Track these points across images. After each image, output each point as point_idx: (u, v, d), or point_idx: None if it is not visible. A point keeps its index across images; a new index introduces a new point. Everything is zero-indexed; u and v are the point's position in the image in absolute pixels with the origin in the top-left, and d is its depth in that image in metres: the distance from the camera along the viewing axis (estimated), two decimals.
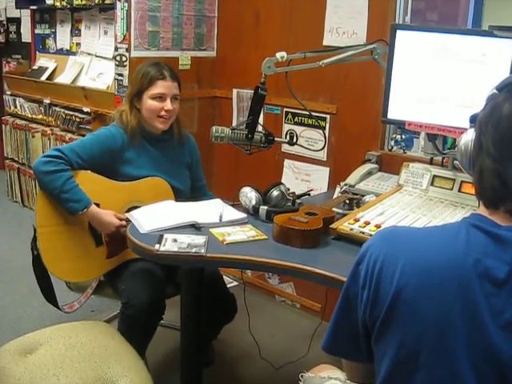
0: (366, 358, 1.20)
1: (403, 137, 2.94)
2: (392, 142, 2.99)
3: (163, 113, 2.50)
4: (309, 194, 2.48)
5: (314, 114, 3.09)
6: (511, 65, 2.05)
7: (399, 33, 2.26)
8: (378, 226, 1.95)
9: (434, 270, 1.05)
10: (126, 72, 3.37)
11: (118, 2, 3.33)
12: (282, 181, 3.31)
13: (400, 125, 2.54)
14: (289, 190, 2.37)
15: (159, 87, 2.49)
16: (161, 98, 2.50)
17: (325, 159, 3.28)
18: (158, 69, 2.51)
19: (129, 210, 2.39)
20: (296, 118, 3.39)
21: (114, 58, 3.46)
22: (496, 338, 0.99)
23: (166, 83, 2.51)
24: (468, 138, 1.27)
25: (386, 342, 1.09)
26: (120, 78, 3.42)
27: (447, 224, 1.15)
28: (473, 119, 1.19)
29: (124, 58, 3.37)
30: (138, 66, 2.61)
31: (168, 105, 2.50)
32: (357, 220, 2.01)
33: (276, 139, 2.36)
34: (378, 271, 1.10)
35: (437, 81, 2.22)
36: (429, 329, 1.04)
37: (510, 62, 2.05)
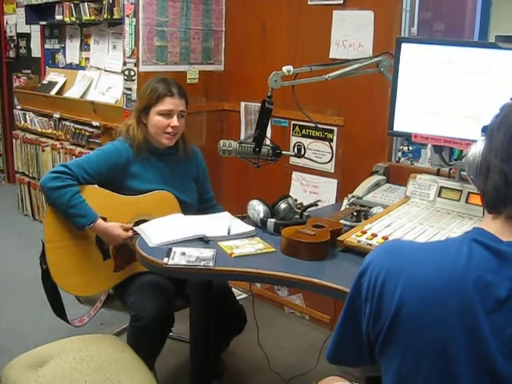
0: (370, 364, 1.21)
1: (410, 148, 2.94)
2: (399, 154, 2.99)
3: (169, 129, 2.53)
4: (316, 205, 2.49)
5: (321, 126, 3.12)
6: None
7: (404, 46, 2.28)
8: (385, 238, 1.95)
9: (435, 286, 1.05)
10: (134, 86, 3.40)
11: (126, 18, 3.37)
12: (290, 193, 3.34)
13: (406, 137, 2.55)
14: (296, 200, 2.38)
15: (167, 104, 2.52)
16: (168, 114, 2.52)
17: (333, 171, 3.29)
18: (166, 85, 2.54)
19: (136, 224, 2.41)
20: (303, 131, 3.40)
21: (123, 72, 3.49)
22: (497, 355, 0.99)
23: (174, 100, 2.53)
24: (477, 149, 1.28)
25: (389, 356, 1.10)
26: (128, 92, 3.45)
27: (449, 239, 1.16)
28: (484, 129, 1.21)
29: (132, 73, 3.40)
30: (147, 82, 2.64)
31: (174, 121, 2.52)
32: (364, 232, 2.02)
33: (283, 152, 2.37)
34: (380, 285, 1.10)
35: (442, 93, 2.24)
36: (429, 345, 1.04)
37: None
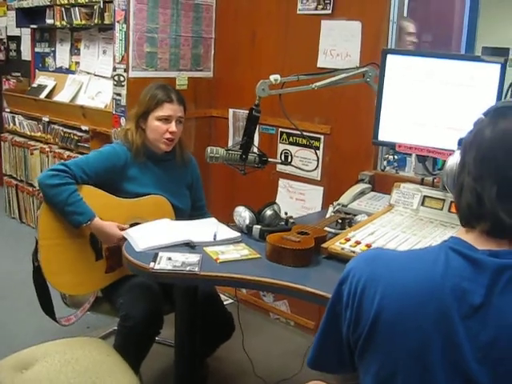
0: (350, 371, 1.24)
1: (396, 157, 2.98)
2: (385, 163, 3.03)
3: (167, 135, 2.56)
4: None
5: (308, 134, 3.15)
6: (498, 88, 2.10)
7: (390, 57, 2.33)
8: (368, 246, 1.98)
9: (413, 293, 1.08)
10: (123, 92, 3.43)
11: (116, 24, 3.39)
12: (277, 200, 3.37)
13: (391, 146, 2.59)
14: (286, 213, 2.39)
15: (166, 109, 2.56)
16: (166, 120, 2.56)
17: (319, 179, 3.33)
18: (165, 92, 2.59)
19: (130, 227, 2.43)
20: (291, 138, 3.44)
21: (113, 77, 3.52)
22: (472, 361, 1.02)
23: (173, 106, 2.57)
24: (454, 160, 1.31)
25: (368, 361, 1.13)
26: (118, 97, 3.47)
27: (427, 247, 1.19)
28: (460, 142, 1.24)
29: (122, 78, 3.42)
30: (146, 88, 2.67)
31: (173, 127, 2.56)
32: (348, 239, 2.05)
33: (269, 160, 2.41)
34: (360, 292, 1.13)
35: (427, 104, 2.29)
36: (406, 350, 1.07)
37: (497, 85, 2.11)
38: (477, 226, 1.12)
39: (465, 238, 1.12)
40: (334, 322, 1.21)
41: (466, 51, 4.26)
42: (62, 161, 4.36)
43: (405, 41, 3.60)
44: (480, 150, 1.12)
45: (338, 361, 1.23)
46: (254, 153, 2.38)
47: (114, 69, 3.49)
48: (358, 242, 2.02)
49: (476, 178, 1.11)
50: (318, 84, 2.43)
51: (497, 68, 2.11)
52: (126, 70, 3.40)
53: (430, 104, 2.28)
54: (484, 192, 1.09)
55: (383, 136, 2.41)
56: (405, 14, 3.86)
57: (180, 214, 2.61)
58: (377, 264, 1.16)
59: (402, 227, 2.16)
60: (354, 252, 1.96)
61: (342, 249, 2.00)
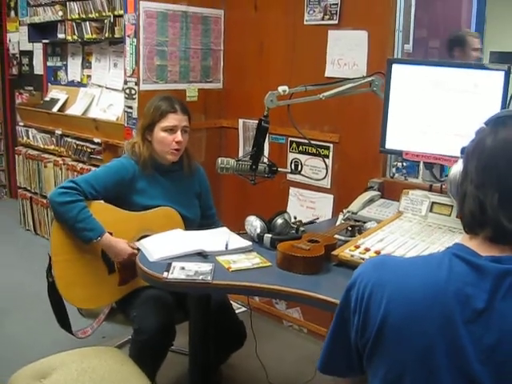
0: (359, 375, 1.27)
1: (404, 164, 3.00)
2: (393, 169, 3.05)
3: (174, 145, 2.60)
4: (315, 222, 2.54)
5: (317, 142, 3.19)
6: (502, 94, 2.13)
7: (395, 66, 2.36)
8: (377, 253, 2.00)
9: (418, 298, 1.11)
10: (135, 105, 3.48)
11: (127, 38, 3.45)
12: (288, 208, 3.41)
13: (397, 154, 2.62)
14: (296, 218, 2.43)
15: (170, 120, 2.60)
16: (172, 130, 2.60)
17: (329, 187, 3.36)
18: (169, 103, 2.63)
19: (140, 239, 2.45)
20: (300, 147, 3.48)
21: (124, 91, 3.57)
22: (475, 363, 1.05)
23: (177, 116, 2.61)
24: (457, 168, 1.34)
25: (375, 365, 1.16)
26: (129, 110, 3.53)
27: (432, 254, 1.23)
28: (462, 151, 1.28)
29: (133, 91, 3.48)
30: (150, 101, 2.72)
31: (178, 136, 2.60)
32: (357, 247, 2.07)
33: (279, 169, 2.44)
34: (367, 298, 1.16)
35: (432, 112, 2.32)
36: (413, 353, 1.10)
37: (501, 92, 2.14)
38: (480, 233, 1.15)
39: (468, 245, 1.15)
40: (342, 328, 1.24)
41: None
42: (76, 173, 4.45)
43: (471, 56, 3.63)
44: (482, 159, 1.15)
45: (347, 365, 1.27)
46: (264, 163, 2.41)
47: (125, 82, 3.54)
48: (367, 249, 2.04)
49: (478, 186, 1.14)
50: (325, 94, 2.47)
51: (501, 75, 2.14)
52: (136, 83, 3.46)
53: (436, 112, 2.31)
54: (486, 199, 1.12)
55: (390, 144, 2.44)
56: (412, 21, 3.90)
57: (189, 224, 2.64)
58: (383, 270, 1.19)
59: (410, 233, 2.19)
60: (363, 259, 1.98)
61: (352, 256, 2.02)
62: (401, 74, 2.36)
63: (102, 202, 2.55)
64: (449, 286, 1.09)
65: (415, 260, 1.25)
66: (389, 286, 1.15)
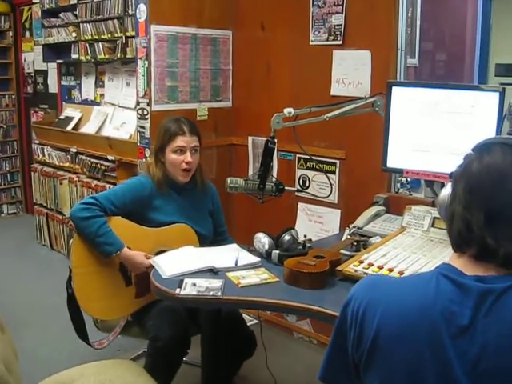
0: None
1: (408, 179, 3.09)
2: (398, 185, 3.14)
3: (184, 165, 2.70)
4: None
5: (324, 159, 3.27)
6: (498, 114, 2.22)
7: (395, 89, 2.46)
8: (380, 267, 2.08)
9: (408, 315, 1.20)
10: (147, 125, 3.58)
11: (139, 60, 3.56)
12: (297, 223, 3.49)
13: (399, 173, 2.70)
14: (305, 236, 2.50)
15: (179, 141, 2.69)
16: (181, 150, 2.70)
17: (336, 202, 3.44)
18: (177, 125, 2.73)
19: (157, 254, 2.57)
20: (308, 164, 3.56)
21: (136, 111, 3.68)
22: (461, 375, 1.13)
23: (185, 138, 2.71)
24: (446, 191, 1.43)
25: (370, 376, 1.25)
26: (142, 130, 3.63)
27: (422, 273, 1.32)
28: (451, 175, 1.37)
29: (145, 112, 3.58)
30: (161, 123, 2.82)
31: (188, 157, 2.69)
32: (361, 262, 2.15)
33: (286, 188, 2.53)
34: (361, 315, 1.25)
35: (431, 131, 2.41)
36: (402, 368, 1.18)
37: (496, 112, 2.23)
38: (467, 251, 1.23)
39: (455, 264, 1.24)
40: (340, 340, 1.33)
41: (479, 68, 4.34)
42: (91, 190, 4.57)
43: None
44: (469, 182, 1.24)
45: (345, 375, 1.35)
46: (271, 182, 2.50)
47: (138, 103, 3.65)
48: (370, 264, 2.12)
49: (466, 207, 1.23)
50: (329, 115, 2.56)
51: (496, 96, 2.23)
52: (148, 104, 3.56)
53: (435, 131, 2.40)
54: (473, 219, 1.20)
55: (392, 163, 2.54)
56: (417, 36, 3.98)
57: (203, 240, 2.74)
58: (376, 290, 1.28)
59: (412, 248, 2.26)
60: (366, 274, 2.05)
61: (356, 271, 2.09)
62: (401, 95, 2.46)
63: (120, 217, 2.65)
64: (436, 304, 1.17)
65: (405, 280, 1.35)
66: (381, 304, 1.24)
